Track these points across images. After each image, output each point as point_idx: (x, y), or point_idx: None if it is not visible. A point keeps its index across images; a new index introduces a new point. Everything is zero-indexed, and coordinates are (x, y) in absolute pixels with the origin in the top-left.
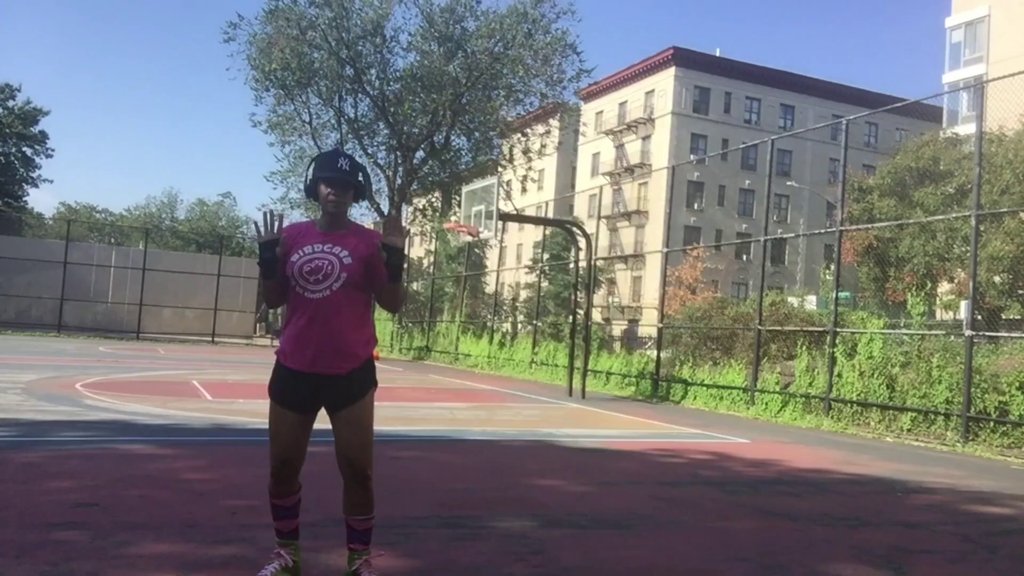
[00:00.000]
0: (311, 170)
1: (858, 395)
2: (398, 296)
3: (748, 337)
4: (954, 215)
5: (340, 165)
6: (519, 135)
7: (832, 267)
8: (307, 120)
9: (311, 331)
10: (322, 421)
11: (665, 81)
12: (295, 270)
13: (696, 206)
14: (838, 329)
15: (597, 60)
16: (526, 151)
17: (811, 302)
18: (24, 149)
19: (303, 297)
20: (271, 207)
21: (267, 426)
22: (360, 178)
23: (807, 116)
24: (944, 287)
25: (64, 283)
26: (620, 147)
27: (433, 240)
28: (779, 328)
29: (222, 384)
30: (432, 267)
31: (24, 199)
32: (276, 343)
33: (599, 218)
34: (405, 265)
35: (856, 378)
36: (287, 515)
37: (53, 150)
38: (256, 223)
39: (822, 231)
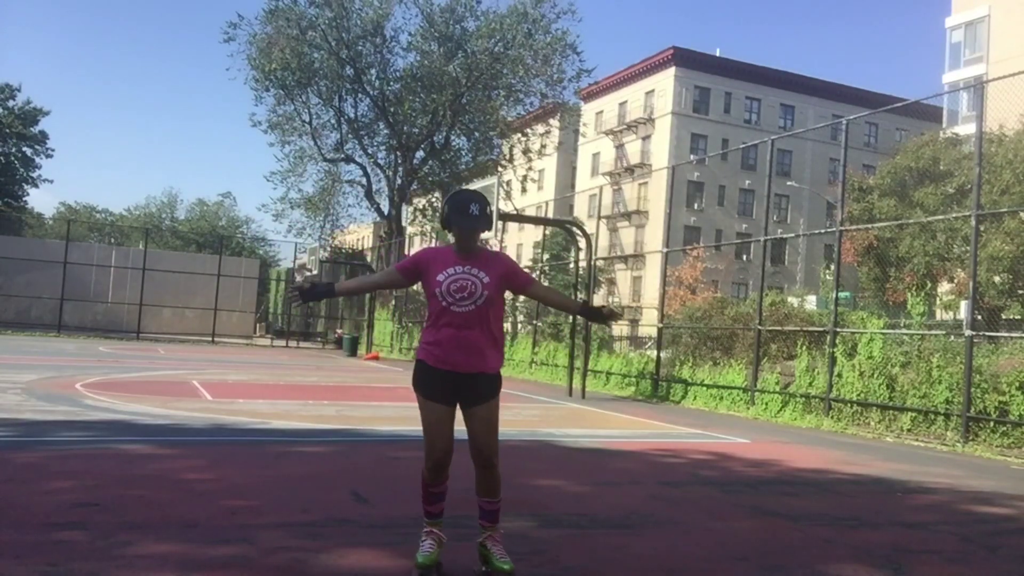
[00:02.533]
0: (447, 208)
1: (858, 395)
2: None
3: (748, 337)
4: (954, 215)
5: (472, 211)
6: (519, 135)
7: (832, 267)
8: (307, 120)
9: (460, 338)
10: (307, 421)
11: (665, 81)
12: (443, 288)
13: (696, 206)
14: (838, 329)
15: (597, 60)
16: (526, 151)
17: (811, 302)
18: (24, 149)
19: (450, 310)
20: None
21: (267, 425)
22: (488, 211)
23: (807, 116)
24: (944, 287)
25: (64, 283)
26: (620, 147)
27: (433, 240)
28: (779, 328)
29: (222, 384)
30: None
31: (24, 199)
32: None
33: (599, 218)
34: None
35: (856, 378)
36: (439, 499)
37: (53, 150)
38: (296, 288)
39: (822, 231)
